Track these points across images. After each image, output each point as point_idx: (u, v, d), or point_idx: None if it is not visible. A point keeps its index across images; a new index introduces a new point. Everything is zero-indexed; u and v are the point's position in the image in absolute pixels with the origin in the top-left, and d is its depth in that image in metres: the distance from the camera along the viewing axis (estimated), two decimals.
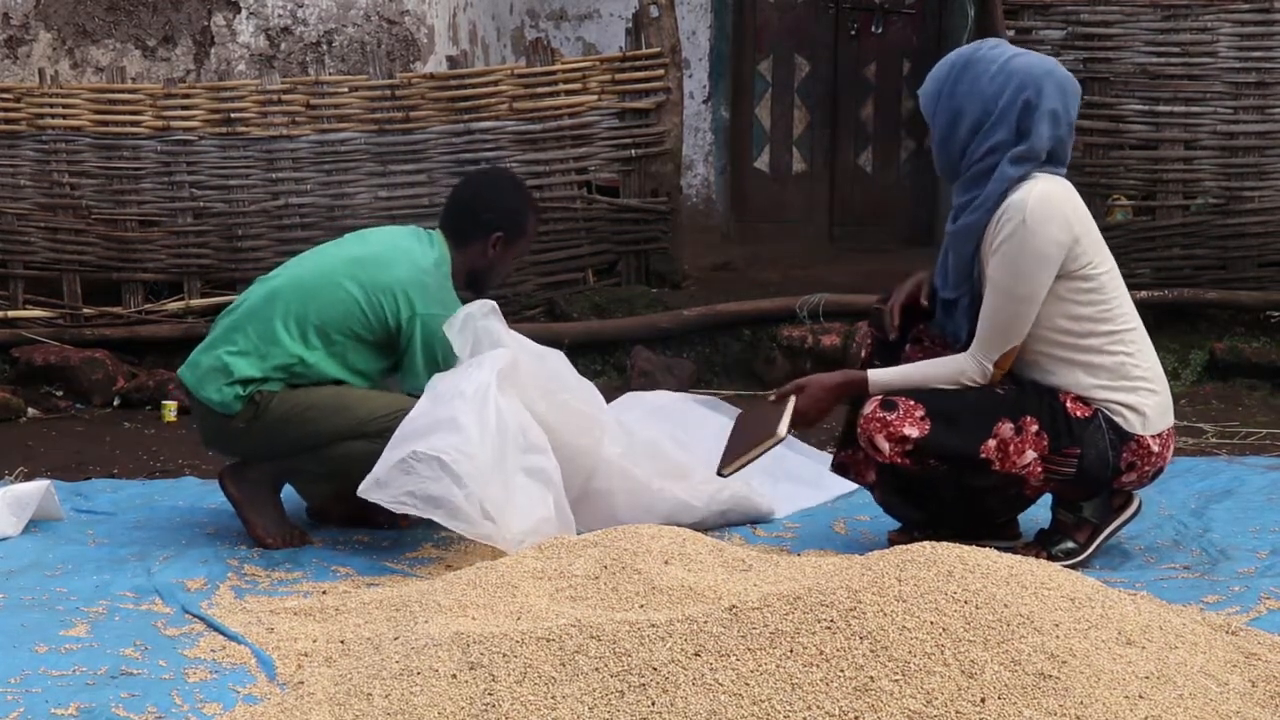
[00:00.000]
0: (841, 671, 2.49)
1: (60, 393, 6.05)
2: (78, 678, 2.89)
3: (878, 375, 3.57)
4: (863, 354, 3.84)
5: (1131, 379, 3.51)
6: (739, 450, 3.65)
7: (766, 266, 7.54)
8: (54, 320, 6.38)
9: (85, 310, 6.40)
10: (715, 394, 5.98)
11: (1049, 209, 3.42)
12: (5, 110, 6.33)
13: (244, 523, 3.90)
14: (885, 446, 3.51)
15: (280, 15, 6.87)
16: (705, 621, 2.63)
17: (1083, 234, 3.46)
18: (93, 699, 2.76)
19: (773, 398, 3.71)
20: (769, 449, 3.60)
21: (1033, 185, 3.43)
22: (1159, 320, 6.05)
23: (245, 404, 3.83)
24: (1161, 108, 6.17)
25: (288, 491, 4.04)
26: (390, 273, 3.85)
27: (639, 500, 3.91)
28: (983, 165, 3.46)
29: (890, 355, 3.73)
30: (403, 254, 3.91)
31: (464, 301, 3.89)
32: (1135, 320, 3.57)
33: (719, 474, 3.70)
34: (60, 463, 5.02)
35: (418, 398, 3.72)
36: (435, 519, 3.53)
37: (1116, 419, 3.49)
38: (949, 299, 3.60)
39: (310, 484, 3.98)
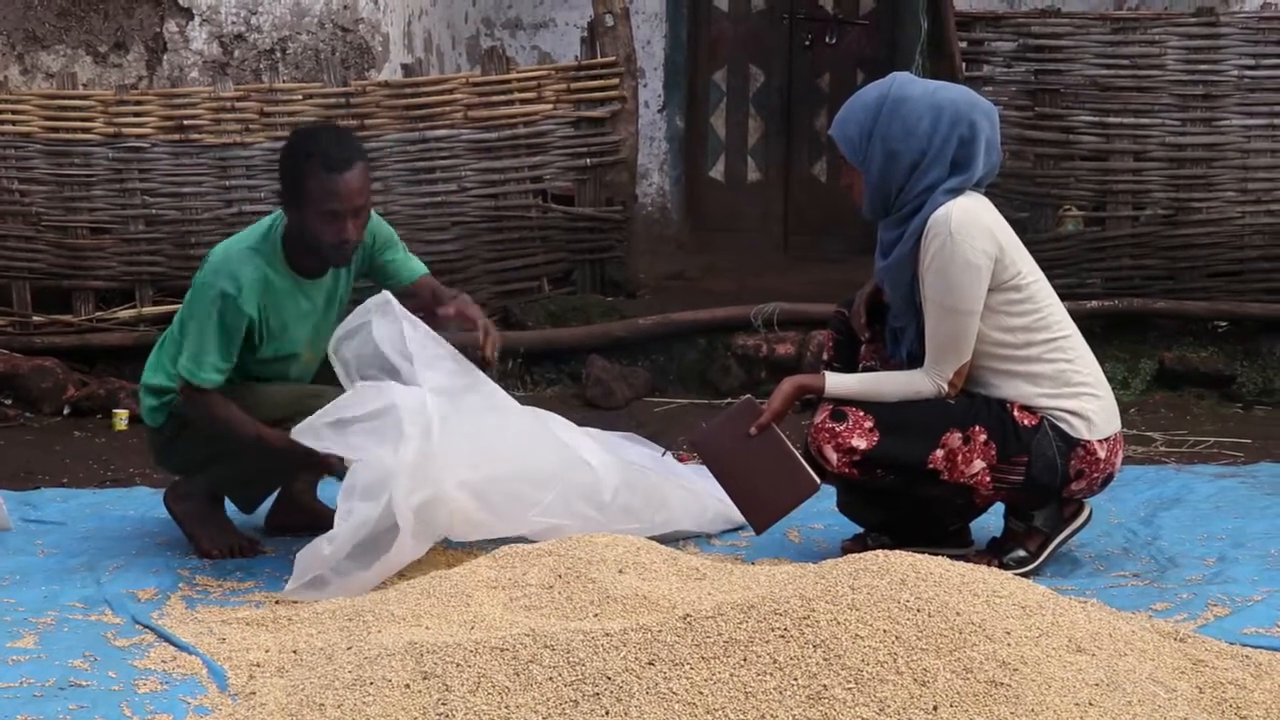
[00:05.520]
0: (795, 680, 2.50)
1: (9, 401, 5.99)
2: (25, 689, 2.86)
3: (835, 380, 3.60)
4: (824, 356, 3.88)
5: (1073, 385, 3.55)
6: (769, 506, 3.62)
7: (721, 275, 7.56)
8: (3, 328, 6.31)
9: (35, 318, 6.33)
10: (670, 402, 6.01)
11: (972, 221, 3.47)
12: None
13: (188, 538, 3.89)
14: (833, 457, 3.54)
15: (234, 22, 6.83)
16: (659, 630, 2.63)
17: (1007, 244, 3.51)
18: (40, 711, 2.74)
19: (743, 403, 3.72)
20: (804, 500, 3.62)
21: (953, 202, 3.48)
22: (1109, 330, 6.12)
23: (167, 418, 3.86)
24: (1111, 119, 6.22)
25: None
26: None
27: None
28: (916, 202, 3.50)
29: (850, 356, 3.77)
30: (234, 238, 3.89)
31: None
32: (1070, 327, 3.62)
33: (757, 534, 3.71)
34: (9, 472, 4.96)
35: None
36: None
37: (1062, 425, 3.53)
38: (896, 327, 3.65)
39: (238, 491, 3.96)
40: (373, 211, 3.93)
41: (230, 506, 4.00)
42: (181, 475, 3.95)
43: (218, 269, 3.75)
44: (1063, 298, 3.72)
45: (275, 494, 4.08)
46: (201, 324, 3.71)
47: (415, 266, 4.00)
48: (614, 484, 3.81)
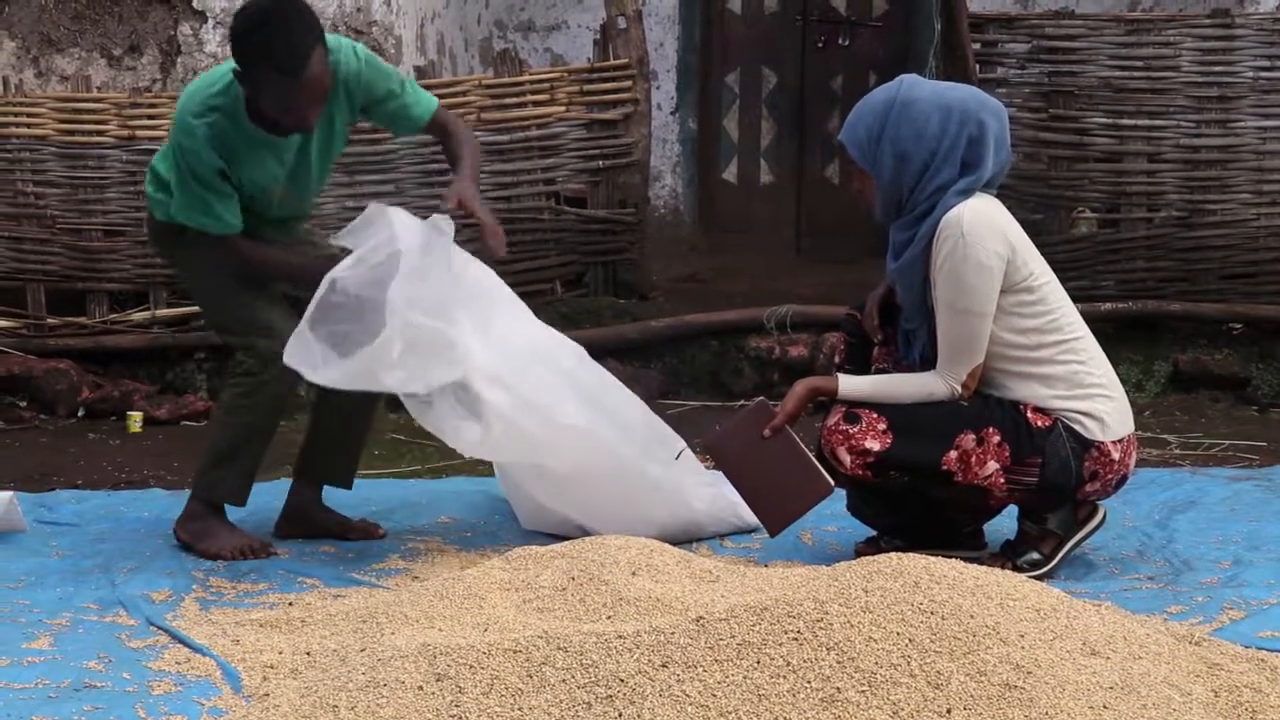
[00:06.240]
0: (808, 683, 2.50)
1: (24, 403, 6.01)
2: (40, 691, 2.87)
3: (848, 382, 3.60)
4: (836, 358, 3.88)
5: (1086, 386, 3.55)
6: (783, 509, 3.63)
7: (734, 277, 7.56)
8: (17, 330, 6.32)
9: (49, 320, 6.35)
10: (683, 404, 6.01)
11: (984, 222, 3.47)
12: None
13: (200, 555, 3.86)
14: (847, 459, 3.54)
15: None
16: (672, 633, 2.63)
17: (1019, 246, 3.52)
18: (55, 712, 2.74)
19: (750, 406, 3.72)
20: (818, 502, 3.63)
21: (964, 203, 3.48)
22: (1123, 332, 6.11)
23: (166, 218, 3.83)
24: (1125, 121, 6.21)
25: (256, 511, 4.04)
26: None
27: (630, 489, 3.86)
28: (928, 204, 3.50)
29: (862, 358, 3.77)
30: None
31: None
32: (1083, 328, 3.61)
33: (771, 536, 3.73)
34: (23, 474, 4.98)
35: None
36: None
37: (1076, 427, 3.53)
38: (908, 329, 3.65)
39: (233, 477, 3.89)
40: (362, 53, 3.79)
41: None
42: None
43: (177, 124, 3.73)
44: (1076, 300, 3.72)
45: (280, 503, 4.09)
46: (182, 183, 3.72)
47: (419, 111, 3.87)
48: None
